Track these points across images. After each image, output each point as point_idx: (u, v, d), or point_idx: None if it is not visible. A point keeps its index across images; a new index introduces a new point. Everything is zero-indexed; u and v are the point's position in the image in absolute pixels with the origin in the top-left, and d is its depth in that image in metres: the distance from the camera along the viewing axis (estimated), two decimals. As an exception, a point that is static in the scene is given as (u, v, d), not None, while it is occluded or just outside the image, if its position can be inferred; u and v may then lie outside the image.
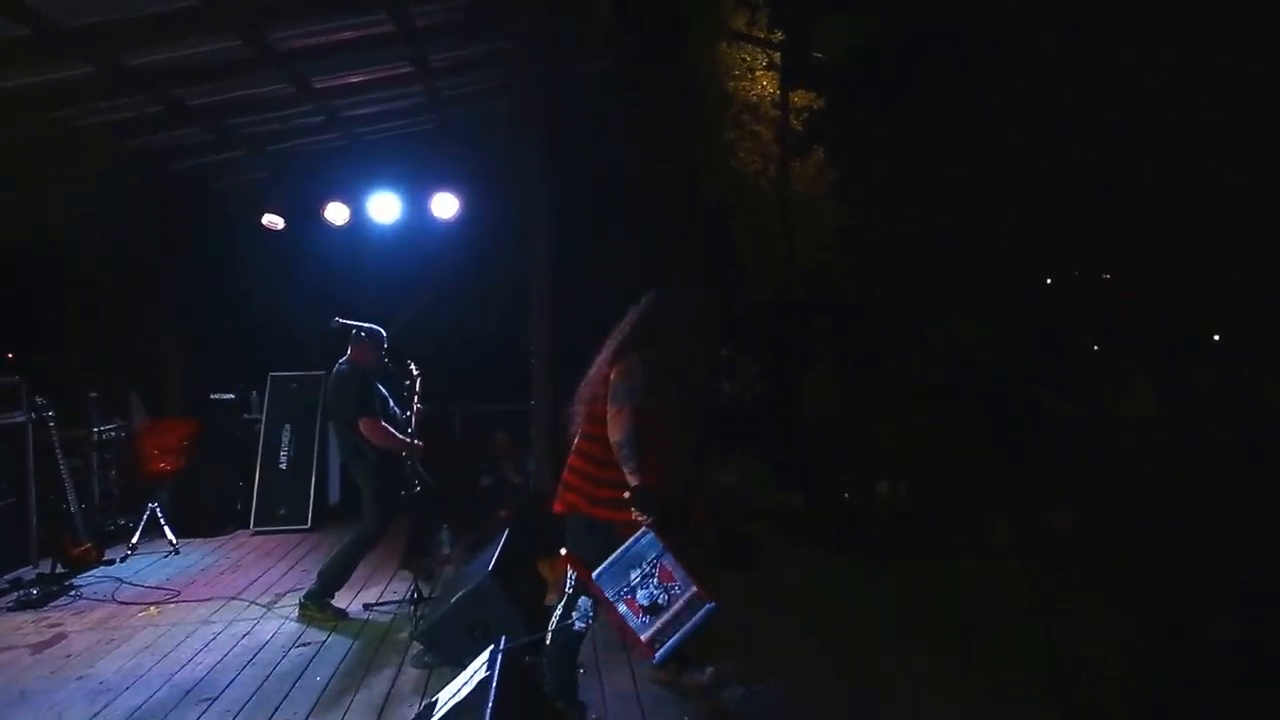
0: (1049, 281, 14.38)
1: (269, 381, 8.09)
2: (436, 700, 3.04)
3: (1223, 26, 11.10)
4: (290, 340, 8.17)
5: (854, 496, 7.61)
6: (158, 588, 5.96)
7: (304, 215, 7.59)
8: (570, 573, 3.58)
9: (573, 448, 3.75)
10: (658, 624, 3.15)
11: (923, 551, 6.40)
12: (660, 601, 3.18)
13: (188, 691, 4.16)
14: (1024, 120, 11.58)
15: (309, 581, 5.49)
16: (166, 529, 6.95)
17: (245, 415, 8.19)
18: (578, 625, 3.59)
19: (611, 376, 3.53)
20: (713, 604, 3.20)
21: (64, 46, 5.06)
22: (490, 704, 2.56)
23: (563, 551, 3.61)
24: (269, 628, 5.09)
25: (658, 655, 3.14)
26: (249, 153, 7.63)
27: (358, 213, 7.46)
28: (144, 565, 6.55)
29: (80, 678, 4.34)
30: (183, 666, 4.48)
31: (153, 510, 6.94)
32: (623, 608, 3.16)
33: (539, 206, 6.70)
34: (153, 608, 5.52)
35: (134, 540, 6.78)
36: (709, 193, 9.93)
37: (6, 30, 4.74)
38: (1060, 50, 11.54)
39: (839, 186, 10.61)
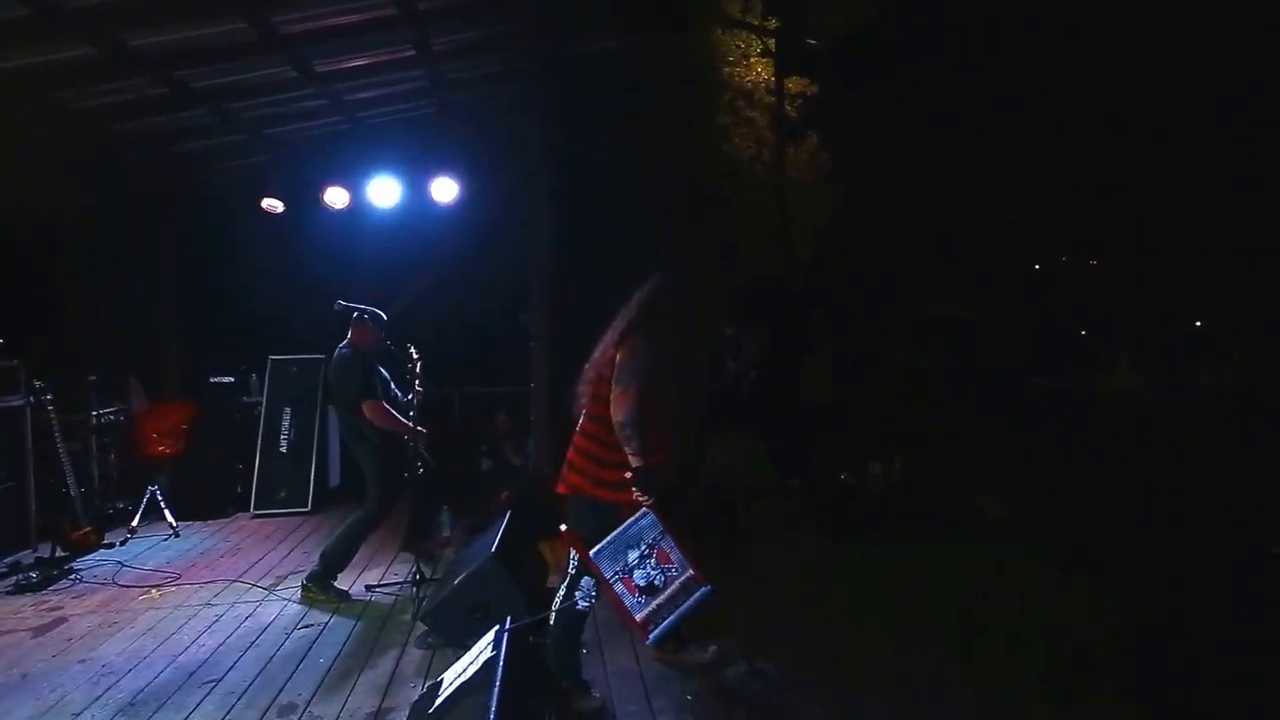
0: (1036, 267, 14.44)
1: (269, 365, 8.09)
2: (441, 680, 3.06)
3: (1222, 26, 11.10)
4: (290, 324, 8.15)
5: (850, 477, 7.68)
6: (158, 571, 5.96)
7: (304, 199, 7.58)
8: (573, 553, 3.60)
9: (577, 429, 3.76)
10: (653, 604, 3.19)
11: (918, 531, 6.47)
12: (657, 582, 3.22)
13: (191, 674, 4.17)
14: (1022, 119, 11.60)
15: (310, 564, 5.51)
16: (166, 512, 6.96)
17: (245, 399, 8.18)
18: (581, 605, 3.62)
19: (617, 358, 3.54)
20: (709, 587, 3.24)
21: (65, 26, 5.03)
22: (498, 683, 2.58)
23: (562, 528, 3.63)
24: (271, 610, 5.10)
25: (651, 636, 3.17)
26: (249, 136, 7.59)
27: (358, 197, 7.45)
28: (144, 548, 6.55)
29: (82, 661, 4.34)
30: (185, 649, 4.49)
31: (152, 494, 6.95)
32: (620, 587, 3.20)
33: (539, 191, 6.70)
34: (154, 591, 5.52)
35: (134, 524, 6.80)
36: (706, 178, 9.94)
37: (7, 10, 4.71)
38: (1060, 50, 11.55)
39: (832, 172, 10.65)
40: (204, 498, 7.63)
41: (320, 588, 5.22)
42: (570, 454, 3.74)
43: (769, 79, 10.55)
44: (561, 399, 3.96)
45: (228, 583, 5.67)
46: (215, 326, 8.67)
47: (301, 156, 7.83)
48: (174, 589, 5.56)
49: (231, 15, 5.37)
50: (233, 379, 8.03)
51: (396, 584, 5.47)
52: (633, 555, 3.25)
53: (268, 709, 3.78)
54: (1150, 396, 8.40)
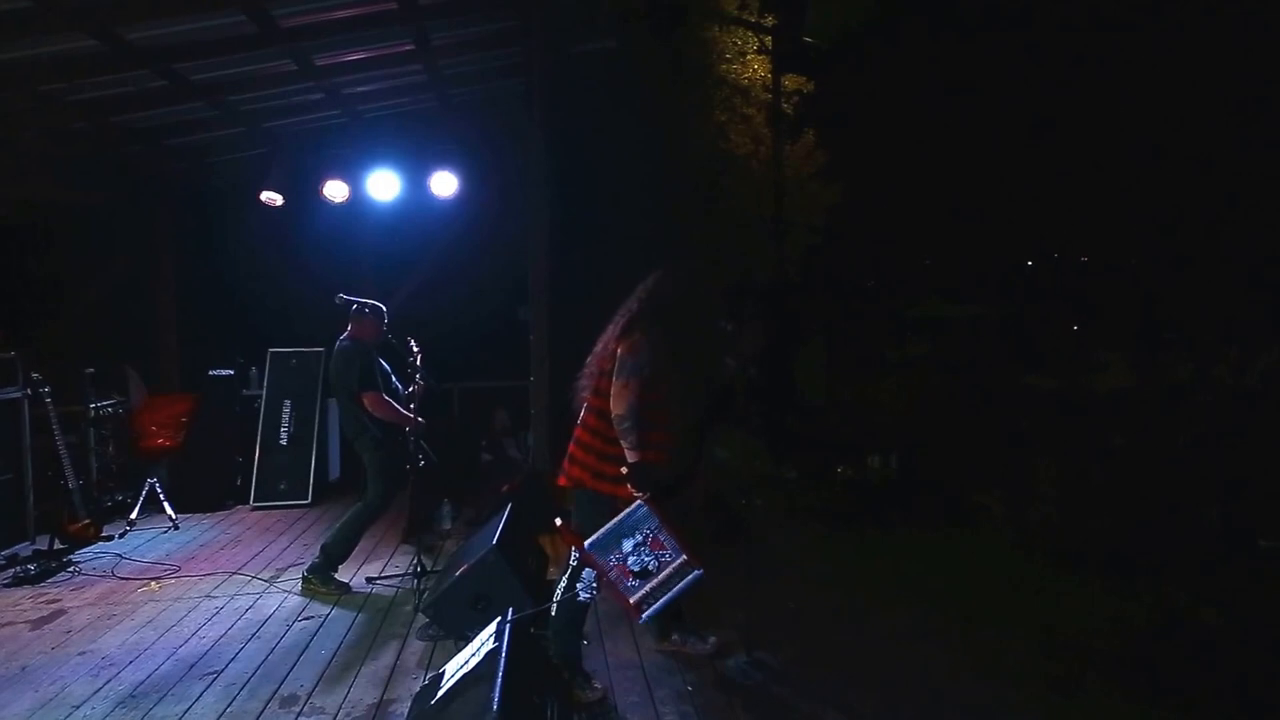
0: (1029, 264, 14.46)
1: (269, 357, 8.08)
2: (443, 672, 3.07)
3: (1223, 26, 11.11)
4: (289, 316, 8.15)
5: (848, 470, 7.73)
6: (158, 563, 5.96)
7: (303, 192, 7.57)
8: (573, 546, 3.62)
9: (579, 422, 3.77)
10: (646, 588, 3.33)
11: (916, 524, 6.51)
12: (650, 567, 3.34)
13: (192, 666, 4.16)
14: (1022, 119, 11.62)
15: (310, 556, 5.51)
16: (165, 504, 6.95)
17: (244, 391, 8.18)
18: (582, 596, 3.65)
19: (619, 352, 3.54)
20: (700, 570, 3.35)
21: (64, 18, 5.02)
22: (500, 675, 2.60)
23: (557, 521, 3.66)
24: (272, 602, 5.11)
25: (644, 616, 3.32)
26: (248, 129, 7.59)
27: (357, 190, 7.45)
28: (143, 541, 6.55)
29: (82, 653, 4.34)
30: (186, 641, 4.49)
31: (151, 486, 6.95)
32: (615, 573, 3.33)
33: (537, 185, 6.70)
34: (153, 583, 5.52)
35: (133, 516, 6.80)
36: (704, 173, 9.95)
37: (6, 1, 4.71)
38: (1060, 49, 11.56)
39: (829, 168, 10.66)
40: (203, 490, 7.62)
41: (321, 580, 5.23)
42: (571, 447, 3.75)
43: (765, 76, 10.56)
44: (561, 393, 3.97)
45: (228, 575, 5.68)
46: (214, 319, 8.67)
47: (301, 150, 7.82)
48: (174, 581, 5.55)
49: (231, 8, 5.38)
50: (232, 371, 8.03)
51: (397, 576, 5.49)
52: (628, 544, 3.35)
53: (269, 701, 3.78)
54: (1147, 395, 8.41)
